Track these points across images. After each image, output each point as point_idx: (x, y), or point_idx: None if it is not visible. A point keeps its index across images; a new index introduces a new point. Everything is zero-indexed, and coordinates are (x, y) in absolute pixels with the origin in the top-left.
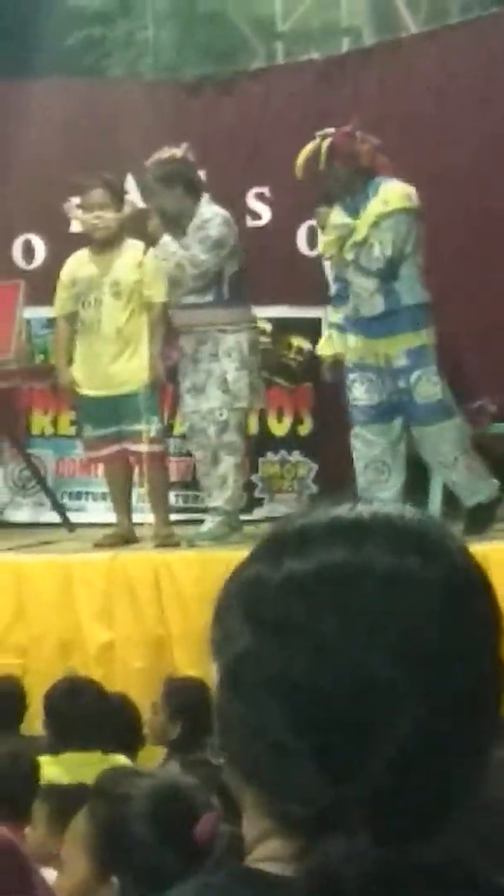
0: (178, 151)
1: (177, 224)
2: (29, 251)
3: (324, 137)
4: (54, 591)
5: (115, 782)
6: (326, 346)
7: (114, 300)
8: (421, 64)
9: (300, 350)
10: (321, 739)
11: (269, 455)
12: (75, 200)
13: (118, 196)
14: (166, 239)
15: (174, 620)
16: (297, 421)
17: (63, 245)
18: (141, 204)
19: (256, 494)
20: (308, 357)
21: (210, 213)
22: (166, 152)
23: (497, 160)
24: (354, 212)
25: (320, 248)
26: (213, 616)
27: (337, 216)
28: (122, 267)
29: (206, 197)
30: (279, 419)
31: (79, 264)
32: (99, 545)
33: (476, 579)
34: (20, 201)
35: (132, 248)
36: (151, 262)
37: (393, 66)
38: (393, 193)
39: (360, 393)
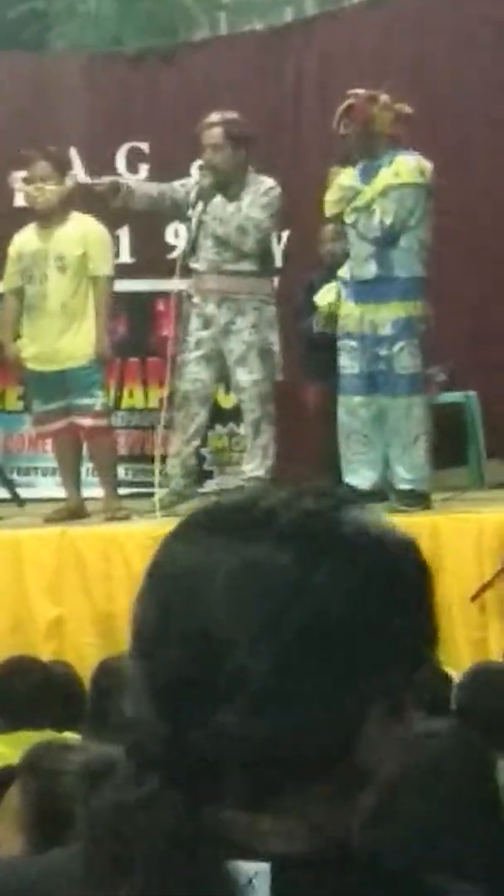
0: (235, 116)
1: (227, 186)
2: None
3: (351, 97)
4: (4, 566)
5: (46, 758)
6: (325, 295)
7: (59, 275)
8: (363, 33)
9: None
10: (165, 693)
11: (218, 428)
12: (22, 174)
13: (61, 169)
14: (219, 200)
15: (124, 595)
16: None
17: (8, 220)
18: (83, 178)
19: (206, 467)
20: None
21: (271, 181)
22: (229, 114)
23: (435, 128)
24: (367, 177)
25: (325, 206)
26: None
27: (347, 178)
28: (65, 241)
29: (250, 166)
30: (227, 391)
31: (24, 239)
32: (48, 520)
33: (389, 570)
34: None
35: (77, 221)
36: (95, 236)
37: (335, 35)
38: (405, 166)
39: (345, 361)
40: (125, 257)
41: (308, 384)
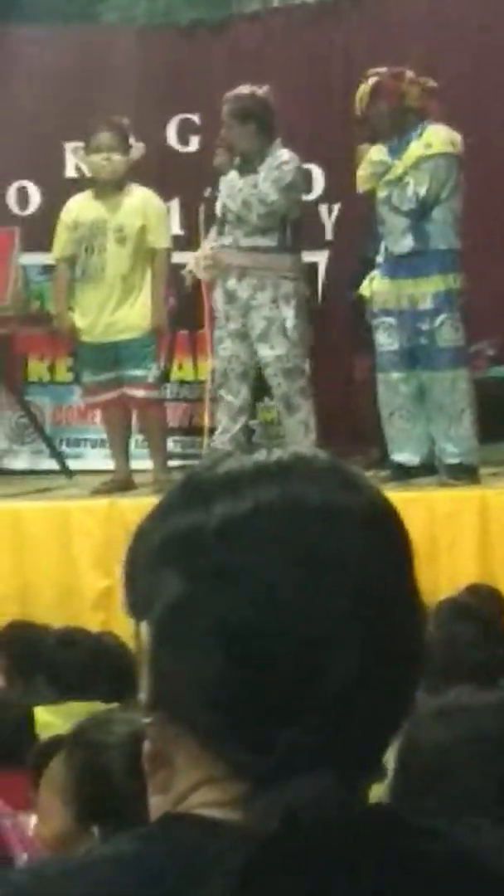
0: (258, 90)
1: (246, 162)
2: (23, 198)
3: (375, 76)
4: (52, 538)
5: (91, 729)
6: (365, 288)
7: (118, 247)
8: (413, 6)
9: None
10: (267, 684)
11: (267, 400)
12: (78, 144)
13: (125, 139)
14: (232, 175)
15: None
16: None
17: (58, 191)
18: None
19: (255, 440)
20: None
21: (287, 155)
22: (246, 89)
23: (487, 101)
24: (398, 152)
25: (357, 182)
26: (130, 572)
27: (377, 153)
28: (126, 212)
29: (278, 140)
30: None
31: (82, 207)
32: (97, 492)
33: (393, 510)
34: (14, 148)
35: (136, 192)
36: (155, 208)
37: (386, 8)
38: (436, 137)
39: (382, 339)
40: (176, 229)
41: (357, 356)
